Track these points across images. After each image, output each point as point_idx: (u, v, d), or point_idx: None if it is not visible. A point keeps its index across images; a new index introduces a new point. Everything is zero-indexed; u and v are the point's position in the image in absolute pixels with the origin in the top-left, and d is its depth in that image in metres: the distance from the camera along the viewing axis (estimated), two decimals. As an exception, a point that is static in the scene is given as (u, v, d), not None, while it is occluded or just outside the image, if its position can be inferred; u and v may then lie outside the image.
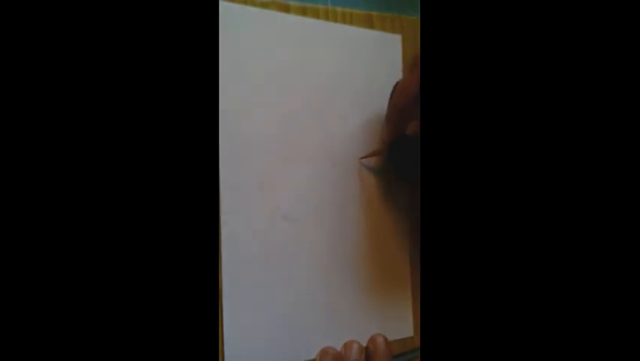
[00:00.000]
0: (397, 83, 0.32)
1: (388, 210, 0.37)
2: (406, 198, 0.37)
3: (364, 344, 0.33)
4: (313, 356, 0.32)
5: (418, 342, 0.37)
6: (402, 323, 0.36)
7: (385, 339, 0.34)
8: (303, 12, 0.34)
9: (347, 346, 0.32)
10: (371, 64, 0.37)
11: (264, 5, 0.33)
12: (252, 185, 0.32)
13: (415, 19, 0.39)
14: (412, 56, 0.32)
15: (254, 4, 0.33)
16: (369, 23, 0.37)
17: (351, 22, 0.36)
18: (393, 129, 0.33)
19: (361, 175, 0.36)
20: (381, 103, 0.36)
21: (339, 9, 0.36)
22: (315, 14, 0.35)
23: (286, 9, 0.34)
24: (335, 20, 0.36)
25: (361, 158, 0.35)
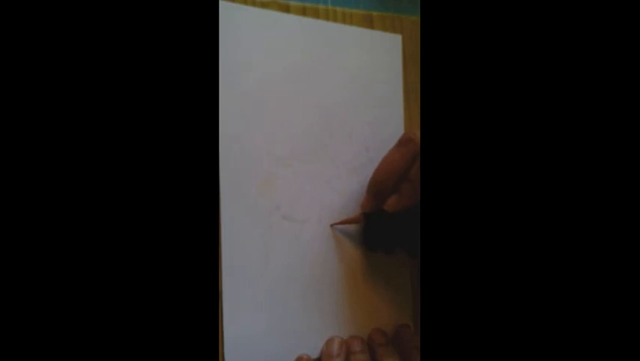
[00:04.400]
0: (385, 156, 0.32)
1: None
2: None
3: (365, 340, 0.34)
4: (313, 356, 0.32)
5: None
6: (401, 318, 0.36)
7: (385, 333, 0.34)
8: (303, 12, 0.34)
9: (328, 343, 0.33)
10: (371, 64, 0.37)
11: (264, 5, 0.33)
12: (252, 185, 0.32)
13: (415, 19, 0.39)
14: (405, 133, 0.32)
15: (254, 4, 0.33)
16: (369, 23, 0.37)
17: (351, 22, 0.36)
18: (372, 201, 0.33)
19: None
20: (381, 103, 0.37)
21: (339, 9, 0.36)
22: (315, 14, 0.35)
23: (286, 9, 0.34)
24: (335, 20, 0.36)
25: (334, 225, 0.34)
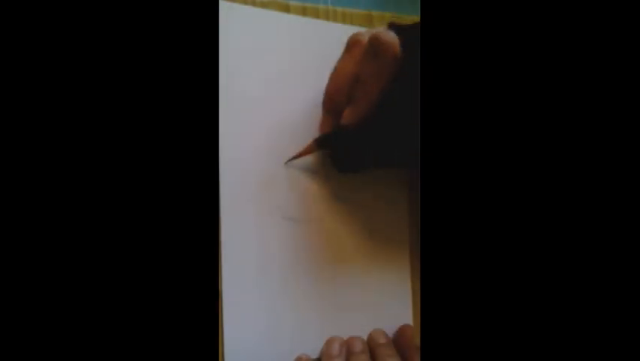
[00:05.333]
0: (334, 67, 0.30)
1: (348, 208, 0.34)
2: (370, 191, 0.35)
3: (365, 340, 0.34)
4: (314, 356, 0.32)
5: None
6: (401, 319, 0.36)
7: (385, 333, 0.34)
8: (303, 12, 0.34)
9: (328, 343, 0.32)
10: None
11: (264, 5, 0.33)
12: (252, 185, 0.32)
13: (415, 19, 0.39)
14: (351, 35, 0.29)
15: (254, 4, 0.33)
16: (369, 23, 0.37)
17: (351, 22, 0.36)
18: (329, 119, 0.31)
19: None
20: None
21: (339, 9, 0.36)
22: (315, 14, 0.35)
23: (286, 9, 0.34)
24: (335, 20, 0.36)
25: (288, 161, 0.32)
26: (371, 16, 0.37)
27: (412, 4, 0.40)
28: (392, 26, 0.28)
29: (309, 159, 0.33)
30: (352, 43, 0.29)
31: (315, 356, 0.32)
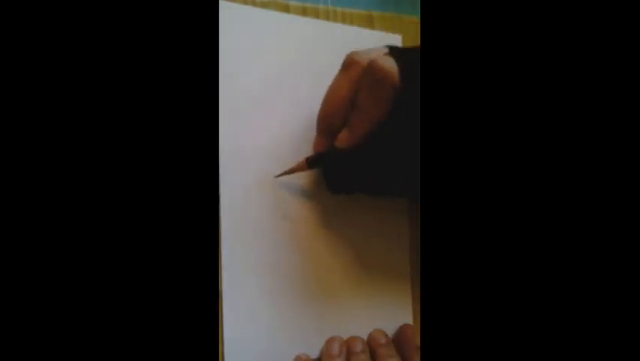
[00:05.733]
0: (329, 86, 0.29)
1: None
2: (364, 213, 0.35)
3: (365, 340, 0.34)
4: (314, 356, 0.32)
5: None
6: (401, 319, 0.36)
7: (385, 333, 0.34)
8: (303, 12, 0.34)
9: (328, 343, 0.32)
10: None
11: (264, 5, 0.33)
12: (252, 185, 0.32)
13: (415, 19, 0.39)
14: (348, 55, 0.28)
15: (254, 4, 0.33)
16: (369, 23, 0.37)
17: (351, 22, 0.36)
18: (322, 139, 0.30)
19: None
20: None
21: (339, 9, 0.36)
22: (315, 14, 0.35)
23: (286, 9, 0.34)
24: (335, 20, 0.36)
25: (277, 176, 0.31)
26: (371, 16, 0.37)
27: (412, 4, 0.40)
28: (392, 50, 0.28)
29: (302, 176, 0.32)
30: (349, 64, 0.28)
31: (315, 356, 0.32)
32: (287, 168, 0.32)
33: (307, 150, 0.33)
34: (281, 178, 0.32)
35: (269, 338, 0.31)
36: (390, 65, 0.26)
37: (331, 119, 0.29)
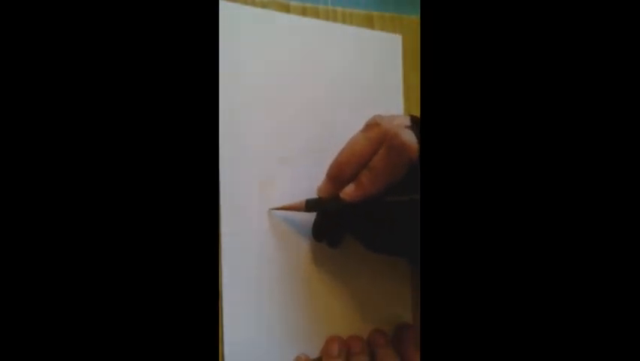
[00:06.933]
0: (350, 140, 0.30)
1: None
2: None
3: (365, 340, 0.34)
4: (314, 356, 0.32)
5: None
6: (401, 318, 0.36)
7: (385, 334, 0.34)
8: (303, 12, 0.34)
9: (328, 343, 0.32)
10: (371, 64, 0.37)
11: (264, 5, 0.33)
12: (252, 185, 0.32)
13: (415, 19, 0.39)
14: (373, 117, 0.30)
15: (254, 4, 0.33)
16: (369, 23, 0.37)
17: (351, 22, 0.36)
18: (330, 185, 0.31)
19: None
20: (381, 103, 0.37)
21: (339, 9, 0.36)
22: (315, 14, 0.35)
23: (286, 9, 0.34)
24: (335, 20, 0.36)
25: (273, 209, 0.32)
26: (371, 16, 0.37)
27: (412, 4, 0.40)
28: (414, 121, 0.29)
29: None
30: (372, 125, 0.30)
31: (315, 356, 0.32)
32: (287, 168, 0.32)
33: (307, 150, 0.33)
34: (281, 177, 0.32)
35: (269, 338, 0.31)
36: (411, 138, 0.27)
37: (344, 169, 0.30)
